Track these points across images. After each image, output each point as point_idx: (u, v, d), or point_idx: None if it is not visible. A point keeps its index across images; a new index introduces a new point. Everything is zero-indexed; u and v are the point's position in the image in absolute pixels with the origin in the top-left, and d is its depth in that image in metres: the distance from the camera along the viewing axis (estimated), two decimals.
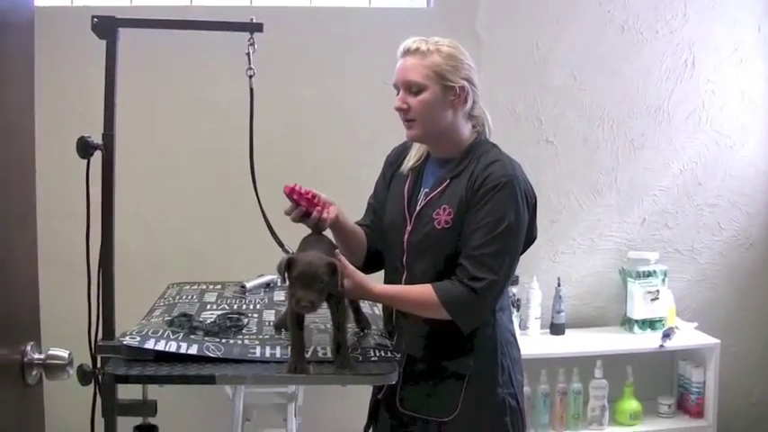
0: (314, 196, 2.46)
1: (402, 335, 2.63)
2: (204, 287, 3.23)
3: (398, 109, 2.51)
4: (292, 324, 2.26)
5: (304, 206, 2.43)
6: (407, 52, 2.49)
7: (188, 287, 3.22)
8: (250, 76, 2.51)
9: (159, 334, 2.37)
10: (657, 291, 4.36)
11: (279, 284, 3.23)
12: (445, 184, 2.54)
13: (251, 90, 2.49)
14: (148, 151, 4.06)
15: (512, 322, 2.73)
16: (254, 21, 2.50)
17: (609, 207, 4.52)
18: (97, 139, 2.26)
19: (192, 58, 4.03)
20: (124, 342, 2.29)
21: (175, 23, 2.60)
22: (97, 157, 2.28)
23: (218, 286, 3.24)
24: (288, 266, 2.18)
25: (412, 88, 2.47)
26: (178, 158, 4.10)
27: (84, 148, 2.21)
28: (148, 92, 4.01)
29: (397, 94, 2.53)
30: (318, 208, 2.45)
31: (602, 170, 4.48)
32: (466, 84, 2.50)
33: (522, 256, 2.56)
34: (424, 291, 2.42)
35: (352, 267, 2.36)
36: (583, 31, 4.36)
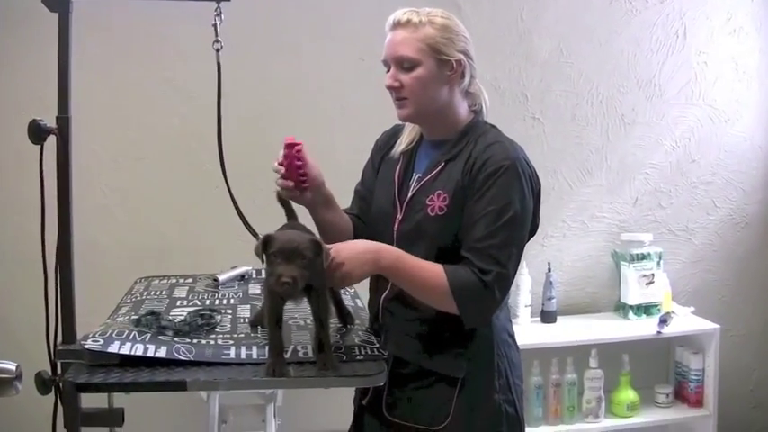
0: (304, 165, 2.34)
1: (389, 334, 2.48)
2: (174, 281, 3.09)
3: (390, 87, 2.35)
4: (270, 321, 2.12)
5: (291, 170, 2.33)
6: (398, 25, 2.33)
7: (157, 281, 3.08)
8: (217, 50, 2.35)
9: (124, 335, 2.22)
10: (652, 274, 4.27)
11: (254, 276, 3.10)
12: (440, 168, 2.39)
13: (218, 65, 2.33)
14: (113, 137, 3.92)
15: (510, 321, 2.57)
16: None
17: (599, 187, 4.43)
18: (51, 122, 2.09)
19: (157, 35, 3.88)
20: (85, 346, 2.13)
21: None
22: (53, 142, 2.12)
23: (190, 280, 3.09)
24: (265, 244, 2.03)
25: (404, 64, 2.32)
26: (145, 144, 3.95)
27: (37, 133, 2.07)
28: (112, 72, 3.86)
29: (387, 71, 2.37)
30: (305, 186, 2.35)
31: (591, 148, 4.38)
32: (462, 57, 2.35)
33: None
34: (435, 271, 2.25)
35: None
36: (570, 2, 4.25)
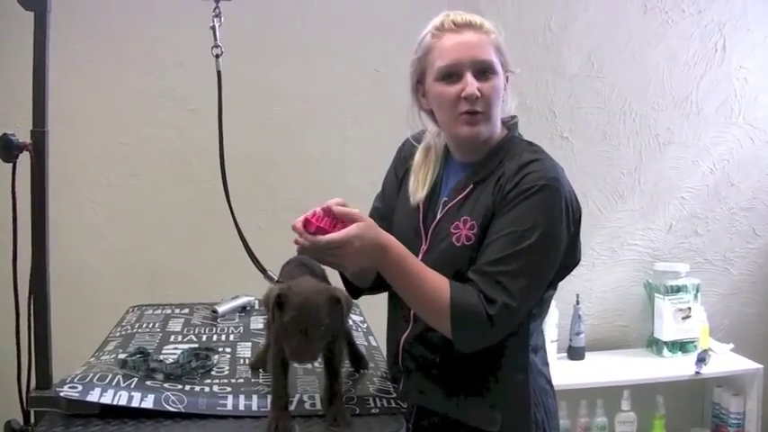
0: (333, 217, 2.05)
1: (410, 379, 2.25)
2: (169, 311, 2.90)
3: (469, 97, 2.09)
4: (276, 368, 1.89)
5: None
6: (468, 26, 2.12)
7: (150, 311, 2.90)
8: (216, 56, 2.12)
9: (107, 381, 2.00)
10: (689, 308, 4.12)
11: (256, 308, 2.91)
12: (467, 191, 2.17)
13: (218, 73, 2.11)
14: (106, 152, 3.79)
15: (547, 365, 2.34)
16: None
17: (632, 212, 4.29)
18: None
19: (154, 40, 3.74)
20: (61, 394, 1.92)
21: None
22: None
23: (186, 310, 2.91)
24: (278, 305, 1.80)
25: (486, 70, 2.10)
26: (140, 159, 3.81)
27: (7, 149, 1.87)
28: (104, 80, 3.73)
29: (447, 80, 2.12)
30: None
31: (623, 170, 4.25)
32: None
33: None
34: (439, 283, 2.04)
35: (365, 224, 2.01)
36: (601, 11, 4.11)
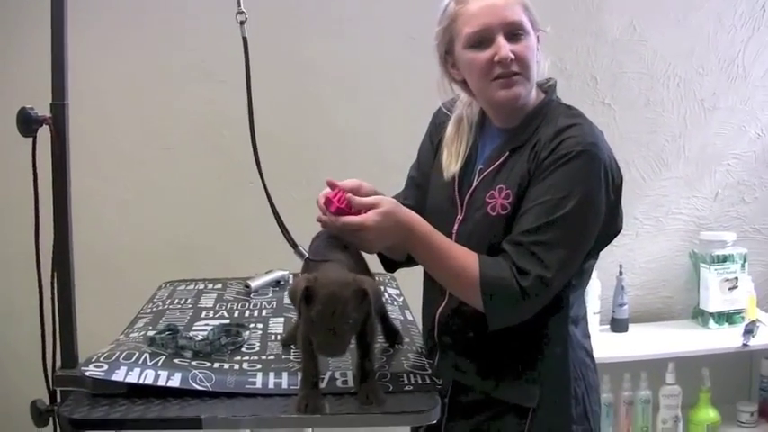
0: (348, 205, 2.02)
1: (446, 354, 2.22)
2: (202, 286, 2.90)
3: (503, 61, 2.03)
4: (305, 346, 1.85)
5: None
6: None
7: (183, 287, 2.90)
8: (241, 23, 2.06)
9: (134, 359, 1.98)
10: (736, 278, 4.03)
11: (290, 281, 2.89)
12: (503, 158, 2.11)
13: (244, 41, 2.05)
14: (135, 127, 3.77)
15: (588, 337, 2.28)
16: None
17: (676, 180, 4.21)
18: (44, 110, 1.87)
19: (182, 11, 3.71)
20: (86, 373, 1.90)
21: None
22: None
23: (219, 285, 2.91)
24: (305, 299, 1.76)
25: (516, 32, 2.04)
26: (169, 134, 3.79)
27: (26, 123, 1.84)
28: (132, 54, 3.71)
29: (480, 45, 2.05)
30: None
31: (667, 136, 4.16)
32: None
33: None
34: (468, 257, 2.00)
35: (386, 203, 1.99)
36: None
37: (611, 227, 2.10)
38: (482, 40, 2.04)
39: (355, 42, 3.81)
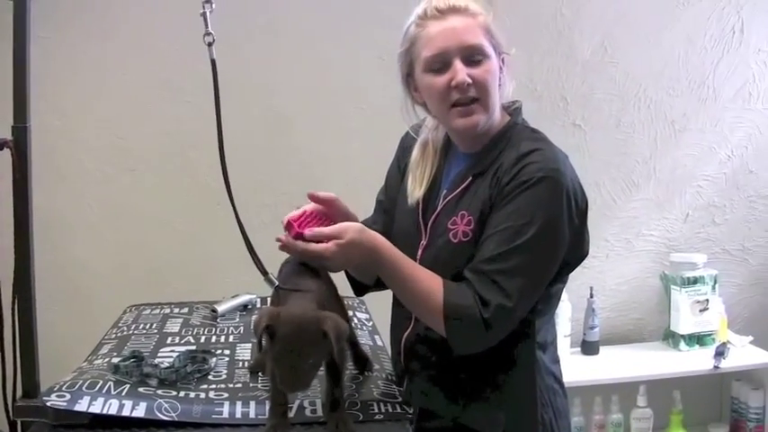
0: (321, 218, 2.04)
1: (413, 380, 2.19)
2: (168, 311, 2.85)
3: (459, 86, 2.00)
4: (273, 377, 1.81)
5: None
6: (453, 10, 2.02)
7: (148, 311, 2.85)
8: (209, 44, 2.01)
9: (97, 388, 1.94)
10: (707, 300, 4.04)
11: (258, 306, 2.85)
12: (466, 183, 2.08)
13: (212, 62, 2.01)
14: (100, 147, 3.73)
15: (557, 363, 2.25)
16: None
17: (647, 201, 4.22)
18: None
19: (149, 29, 3.68)
20: (48, 403, 1.85)
21: None
22: None
23: (185, 310, 2.86)
24: (268, 335, 1.73)
25: (475, 56, 2.01)
26: (135, 155, 3.76)
27: None
28: (99, 72, 3.67)
29: (439, 70, 2.02)
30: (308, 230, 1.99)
31: (638, 158, 4.17)
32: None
33: None
34: (433, 282, 1.97)
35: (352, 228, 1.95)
36: None
37: (576, 251, 2.07)
38: (440, 64, 2.01)
39: (325, 63, 3.79)
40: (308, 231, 1.93)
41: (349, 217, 2.10)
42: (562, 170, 1.96)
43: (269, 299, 2.53)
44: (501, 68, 2.05)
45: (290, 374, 1.69)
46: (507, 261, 1.91)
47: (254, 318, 1.81)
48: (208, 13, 1.98)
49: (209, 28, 1.99)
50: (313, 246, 1.90)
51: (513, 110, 2.14)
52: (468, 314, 1.90)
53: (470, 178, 2.06)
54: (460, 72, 1.98)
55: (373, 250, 1.95)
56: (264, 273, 1.97)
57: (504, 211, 1.94)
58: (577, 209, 2.00)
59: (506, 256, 1.91)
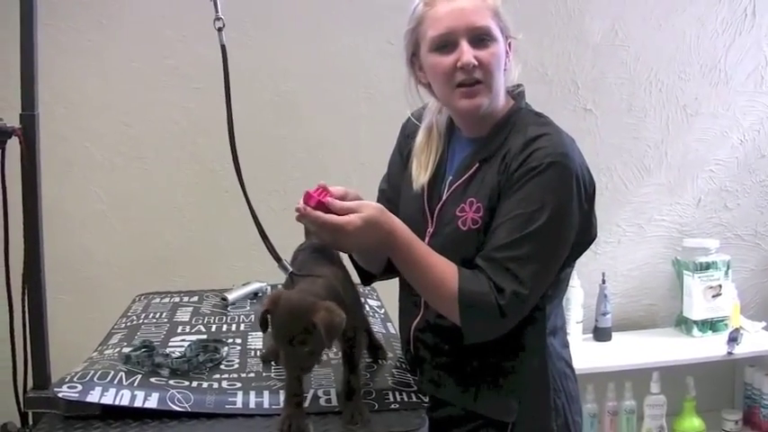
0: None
1: (423, 370, 2.17)
2: (177, 299, 2.83)
3: (465, 66, 1.98)
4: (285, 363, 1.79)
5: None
6: None
7: (158, 300, 2.83)
8: (219, 29, 1.99)
9: (108, 379, 1.92)
10: (719, 285, 4.02)
11: (269, 293, 2.79)
12: (473, 170, 2.06)
13: (222, 48, 1.99)
14: (110, 135, 3.70)
15: (566, 347, 2.24)
16: None
17: (659, 186, 4.19)
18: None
19: (157, 15, 3.65)
20: (59, 395, 1.83)
21: None
22: None
23: (195, 298, 2.84)
24: (263, 321, 1.75)
25: (482, 38, 1.99)
26: (145, 141, 3.73)
27: None
28: (106, 60, 3.64)
29: (444, 49, 2.01)
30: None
31: (649, 143, 4.14)
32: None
33: None
34: (447, 269, 1.95)
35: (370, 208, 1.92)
36: None
37: (585, 235, 2.04)
38: (446, 43, 1.99)
39: (333, 49, 3.77)
40: (329, 199, 1.90)
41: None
42: (570, 155, 1.95)
43: (280, 286, 2.51)
44: (507, 52, 2.04)
45: (287, 359, 1.70)
46: (520, 248, 1.90)
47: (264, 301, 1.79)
48: None
49: (219, 12, 1.96)
50: (333, 217, 1.87)
51: (516, 94, 2.12)
52: (483, 301, 1.89)
53: (477, 164, 2.05)
54: (467, 53, 1.96)
55: (390, 232, 1.93)
56: (278, 259, 1.95)
57: (515, 197, 1.93)
58: (586, 193, 1.98)
59: (519, 243, 1.90)
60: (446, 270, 1.94)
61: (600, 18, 3.97)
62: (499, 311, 1.88)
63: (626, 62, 4.03)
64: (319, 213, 1.87)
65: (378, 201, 2.29)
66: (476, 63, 1.96)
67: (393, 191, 2.30)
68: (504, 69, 2.04)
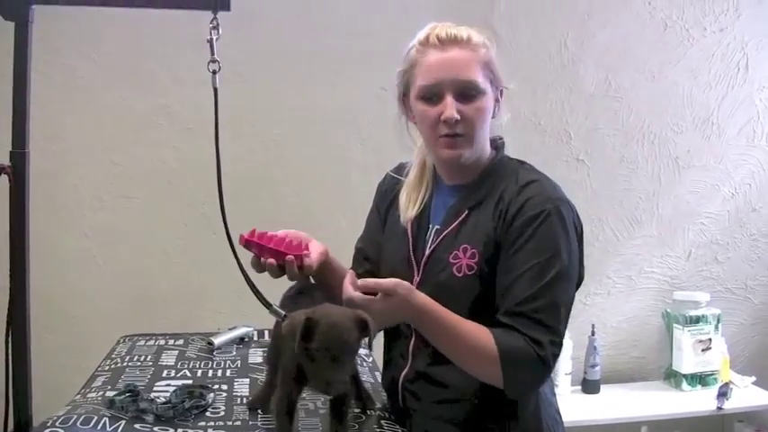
0: (282, 240, 1.99)
1: (413, 420, 2.14)
2: (163, 342, 2.79)
3: (448, 120, 1.99)
4: (281, 414, 1.76)
5: (270, 257, 1.96)
6: (453, 41, 2.00)
7: (143, 342, 2.78)
8: (213, 72, 1.98)
9: (92, 424, 1.89)
10: (709, 339, 4.01)
11: (255, 339, 2.78)
12: (462, 217, 2.06)
13: (215, 91, 1.98)
14: (99, 173, 3.68)
15: (554, 395, 2.24)
16: None
17: (649, 238, 4.19)
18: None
19: (150, 55, 3.64)
20: None
21: None
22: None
23: (180, 342, 2.80)
24: (306, 333, 1.67)
25: (469, 91, 2.00)
26: (134, 180, 3.71)
27: None
28: (97, 97, 3.63)
29: (431, 100, 2.02)
30: (290, 256, 1.97)
31: (641, 194, 4.15)
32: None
33: None
34: (480, 332, 1.93)
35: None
36: (619, 29, 4.02)
37: (579, 275, 2.06)
38: (432, 95, 2.00)
39: (326, 92, 3.76)
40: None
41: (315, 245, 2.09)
42: (564, 198, 1.98)
43: (266, 331, 2.48)
44: (498, 100, 2.05)
45: (331, 370, 1.65)
46: (544, 297, 1.91)
47: (283, 324, 1.73)
48: (215, 40, 1.94)
49: (216, 55, 1.95)
50: (360, 296, 1.87)
51: (498, 144, 2.14)
52: (524, 354, 1.89)
53: (466, 211, 2.05)
54: (450, 108, 1.97)
55: (421, 311, 1.92)
56: (268, 305, 1.92)
57: (525, 249, 1.93)
58: (577, 233, 2.01)
59: (542, 293, 1.91)
60: (480, 334, 1.93)
61: (594, 69, 3.97)
62: (542, 363, 1.89)
63: (619, 113, 4.04)
64: (346, 289, 1.89)
65: (353, 259, 2.32)
66: (458, 118, 1.97)
67: (371, 248, 2.29)
68: (493, 117, 2.05)
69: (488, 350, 1.90)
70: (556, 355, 1.92)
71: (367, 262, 2.26)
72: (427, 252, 2.09)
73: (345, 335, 1.64)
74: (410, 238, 2.14)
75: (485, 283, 1.98)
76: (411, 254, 2.12)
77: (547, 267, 1.91)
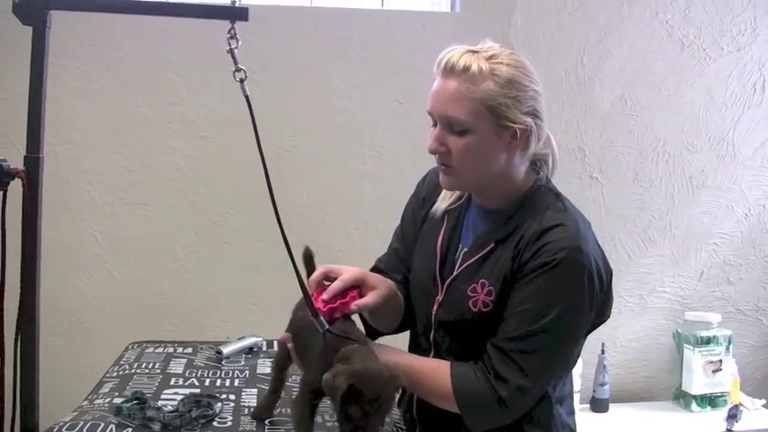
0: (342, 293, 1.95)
1: (425, 428, 2.15)
2: (171, 349, 2.77)
3: (433, 152, 1.98)
4: (304, 412, 1.79)
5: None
6: (451, 71, 1.92)
7: (151, 349, 2.77)
8: (241, 80, 1.94)
9: (98, 431, 1.88)
10: (720, 360, 3.99)
11: (264, 349, 2.76)
12: (487, 250, 2.02)
13: (247, 99, 1.95)
14: (112, 179, 3.68)
15: (572, 415, 2.20)
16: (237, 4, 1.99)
17: (662, 257, 4.18)
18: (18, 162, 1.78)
19: (164, 63, 3.64)
20: None
21: (123, 6, 2.08)
22: None
23: (189, 350, 2.78)
24: (348, 395, 1.63)
25: (453, 126, 1.94)
26: (146, 188, 3.71)
27: None
28: (112, 104, 3.63)
29: (433, 125, 1.99)
30: (354, 305, 1.93)
31: (654, 213, 4.14)
32: (529, 121, 1.93)
33: None
34: (439, 373, 1.95)
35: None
36: (636, 47, 4.01)
37: (599, 317, 2.02)
38: (433, 120, 1.99)
39: (341, 104, 3.76)
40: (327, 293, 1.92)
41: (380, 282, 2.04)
42: (583, 248, 1.89)
43: (275, 342, 2.47)
44: (517, 137, 1.92)
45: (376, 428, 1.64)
46: (527, 342, 1.89)
47: (324, 377, 1.70)
48: (235, 48, 1.92)
49: (239, 63, 1.93)
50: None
51: (538, 169, 2.07)
52: (481, 397, 1.91)
53: (492, 244, 2.01)
54: (432, 140, 1.97)
55: (380, 350, 1.92)
56: (315, 315, 1.88)
57: (526, 290, 1.91)
58: (600, 283, 1.94)
59: (526, 338, 1.89)
60: (438, 375, 1.96)
61: (610, 87, 3.97)
62: (499, 403, 1.89)
63: (634, 132, 4.03)
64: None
65: (390, 258, 2.30)
66: (441, 150, 1.96)
67: (405, 250, 2.26)
68: (510, 153, 1.95)
69: (446, 392, 1.93)
70: (520, 401, 1.91)
71: (402, 263, 2.25)
72: (453, 275, 2.06)
73: (386, 407, 1.63)
74: (438, 254, 2.12)
75: (499, 322, 1.95)
76: (437, 272, 2.10)
77: (538, 315, 1.88)
